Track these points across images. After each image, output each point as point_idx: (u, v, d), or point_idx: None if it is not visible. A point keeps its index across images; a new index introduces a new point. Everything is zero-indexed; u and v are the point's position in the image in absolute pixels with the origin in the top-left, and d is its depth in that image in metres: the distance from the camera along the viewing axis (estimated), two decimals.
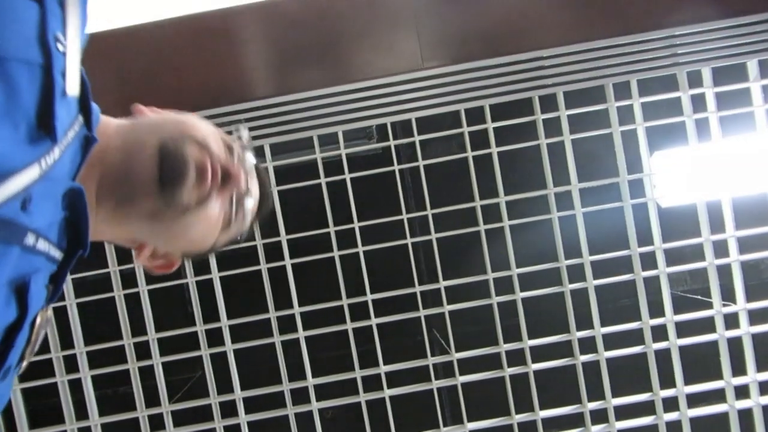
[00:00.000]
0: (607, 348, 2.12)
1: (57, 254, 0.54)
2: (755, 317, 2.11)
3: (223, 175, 0.64)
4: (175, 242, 0.67)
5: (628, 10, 1.99)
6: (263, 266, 2.08)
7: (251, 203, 0.72)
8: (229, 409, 2.11)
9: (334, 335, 2.11)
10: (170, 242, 0.67)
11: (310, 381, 2.11)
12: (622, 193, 2.10)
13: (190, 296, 2.09)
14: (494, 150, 2.07)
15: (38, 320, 0.54)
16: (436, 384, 2.12)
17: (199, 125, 0.66)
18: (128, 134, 0.63)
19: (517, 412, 2.11)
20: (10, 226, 0.46)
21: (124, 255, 2.07)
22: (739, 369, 2.13)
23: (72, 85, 0.52)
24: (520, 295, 2.10)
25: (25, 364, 0.55)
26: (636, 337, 2.14)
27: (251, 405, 2.13)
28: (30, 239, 0.48)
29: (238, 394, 2.10)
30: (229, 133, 0.73)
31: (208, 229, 0.67)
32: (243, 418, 2.10)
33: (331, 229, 2.07)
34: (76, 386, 2.07)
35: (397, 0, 1.99)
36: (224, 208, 0.68)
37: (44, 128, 0.48)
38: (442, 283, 2.11)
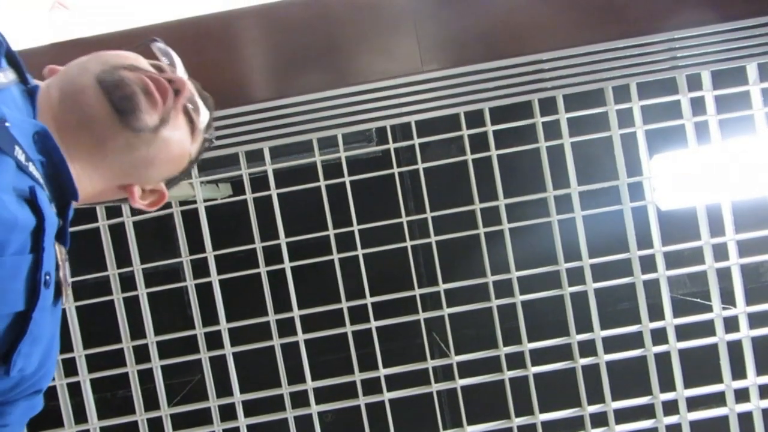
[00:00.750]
0: (606, 351, 2.11)
1: (51, 201, 0.57)
2: (755, 320, 2.11)
3: (172, 86, 0.66)
4: (156, 167, 0.68)
5: (627, 13, 1.99)
6: (262, 269, 2.08)
7: (205, 111, 0.74)
8: (228, 413, 2.11)
9: (333, 338, 2.11)
10: (152, 169, 0.68)
11: (310, 384, 2.11)
12: (622, 196, 2.10)
13: (190, 299, 2.09)
14: (494, 153, 2.06)
15: (58, 251, 0.57)
16: (435, 387, 2.12)
17: (119, 52, 0.68)
18: (60, 84, 0.64)
19: (516, 416, 2.11)
20: None
21: (123, 257, 2.07)
22: (739, 372, 2.12)
23: None
24: (519, 298, 2.10)
25: (64, 297, 0.58)
26: (636, 340, 2.14)
27: (250, 408, 2.13)
28: (20, 154, 0.52)
29: (238, 398, 2.10)
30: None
31: (181, 143, 0.69)
32: (242, 422, 2.09)
33: (331, 232, 2.07)
34: (75, 389, 2.06)
35: (397, 3, 1.99)
36: (185, 117, 0.70)
37: None
38: (442, 286, 2.10)
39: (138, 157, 0.65)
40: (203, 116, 0.73)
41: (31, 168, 0.53)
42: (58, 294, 0.57)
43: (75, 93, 0.62)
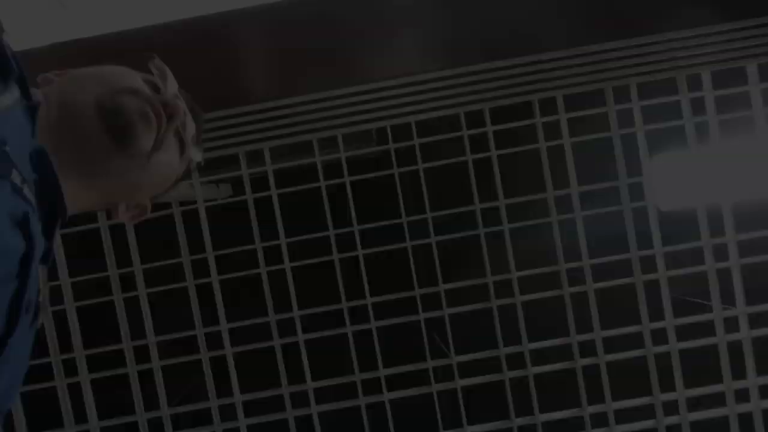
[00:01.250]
0: (606, 351, 2.11)
1: (39, 221, 0.57)
2: (755, 321, 2.11)
3: (166, 111, 0.67)
4: (146, 190, 0.71)
5: (627, 13, 1.99)
6: (263, 269, 2.08)
7: (191, 124, 0.75)
8: (228, 413, 2.11)
9: (333, 338, 2.11)
10: (142, 191, 0.71)
11: (310, 384, 2.11)
12: (622, 196, 2.10)
13: (190, 300, 2.09)
14: (494, 153, 2.07)
15: (40, 274, 0.57)
16: (435, 387, 2.12)
17: (116, 70, 0.69)
18: (60, 102, 0.64)
19: (516, 416, 2.11)
20: None
21: (123, 257, 2.07)
22: (739, 373, 2.12)
23: None
24: (519, 298, 2.10)
25: (40, 320, 0.59)
26: (636, 340, 2.14)
27: (250, 408, 2.13)
28: (17, 177, 0.52)
29: (238, 398, 2.10)
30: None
31: (170, 166, 0.72)
32: (242, 422, 2.09)
33: (331, 233, 2.07)
34: (75, 390, 2.06)
35: (397, 3, 1.99)
36: (175, 137, 0.72)
37: None
38: (442, 287, 2.10)
39: (130, 180, 0.67)
40: (189, 129, 0.74)
41: (26, 190, 0.53)
42: (34, 317, 0.57)
43: (73, 115, 0.62)
